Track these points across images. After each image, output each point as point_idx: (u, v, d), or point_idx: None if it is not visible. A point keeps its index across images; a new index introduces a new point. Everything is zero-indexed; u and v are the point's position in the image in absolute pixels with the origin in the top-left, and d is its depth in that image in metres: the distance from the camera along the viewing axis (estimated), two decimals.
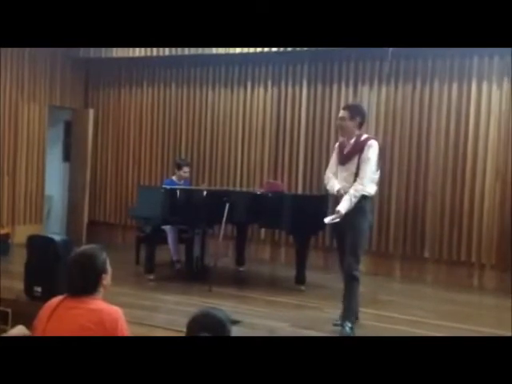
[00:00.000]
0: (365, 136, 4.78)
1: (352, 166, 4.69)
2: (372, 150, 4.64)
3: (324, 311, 5.03)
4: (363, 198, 4.64)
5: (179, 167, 7.23)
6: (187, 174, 7.27)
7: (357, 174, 4.65)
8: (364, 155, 4.63)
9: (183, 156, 8.42)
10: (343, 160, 4.80)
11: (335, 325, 4.70)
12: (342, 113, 4.82)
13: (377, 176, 4.76)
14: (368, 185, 4.65)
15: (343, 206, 4.59)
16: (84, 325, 2.49)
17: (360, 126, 4.77)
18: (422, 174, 7.22)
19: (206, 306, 2.37)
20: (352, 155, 4.71)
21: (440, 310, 5.76)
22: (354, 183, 4.63)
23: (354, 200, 4.60)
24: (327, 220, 4.71)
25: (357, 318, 4.85)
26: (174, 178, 7.28)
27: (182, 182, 7.19)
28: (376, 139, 4.84)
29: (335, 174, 4.85)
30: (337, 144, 5.05)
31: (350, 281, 4.64)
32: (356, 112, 4.78)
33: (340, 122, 4.83)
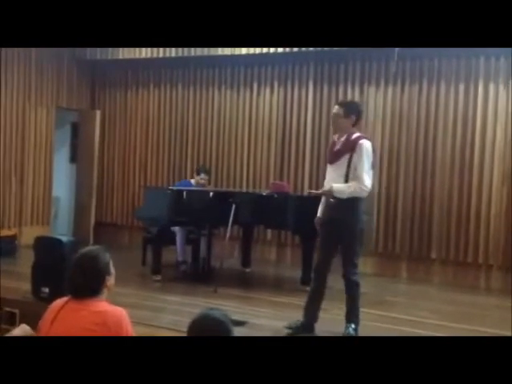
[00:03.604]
0: (356, 134, 4.53)
1: (342, 166, 4.48)
2: (365, 150, 4.42)
3: (329, 312, 5.02)
4: (357, 199, 4.46)
5: (197, 172, 7.20)
6: (203, 181, 7.14)
7: (347, 176, 4.44)
8: (357, 156, 4.41)
9: (189, 156, 8.42)
10: (332, 158, 4.59)
11: (289, 328, 4.66)
12: (336, 109, 4.57)
13: (371, 175, 4.52)
14: (368, 187, 4.46)
15: (337, 186, 4.42)
16: (88, 327, 2.49)
17: (355, 124, 4.55)
18: (428, 174, 7.20)
19: (206, 307, 2.36)
20: (341, 154, 4.48)
21: (446, 310, 5.74)
22: (353, 183, 4.43)
23: (349, 191, 4.39)
24: (313, 191, 4.67)
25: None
26: (192, 180, 7.26)
27: (198, 186, 7.11)
28: (368, 138, 4.63)
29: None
30: (331, 142, 4.84)
31: (350, 286, 4.54)
32: (351, 109, 4.56)
33: (334, 118, 4.59)
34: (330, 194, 4.48)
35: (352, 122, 4.53)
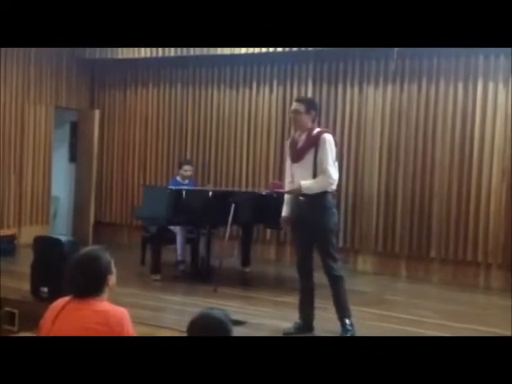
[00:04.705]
0: (317, 129, 4.56)
1: (307, 162, 4.47)
2: (328, 143, 4.43)
3: (329, 311, 5.02)
4: (325, 193, 4.46)
5: (180, 166, 7.30)
6: (188, 173, 7.27)
7: (315, 172, 4.43)
8: (321, 150, 4.41)
9: (189, 156, 8.44)
10: (296, 157, 4.57)
11: (286, 333, 4.61)
12: (296, 105, 4.58)
13: (337, 167, 4.53)
14: (335, 180, 4.47)
15: (305, 183, 4.43)
16: (90, 326, 2.49)
17: (314, 120, 4.58)
18: (427, 173, 7.20)
19: (206, 307, 2.37)
20: (306, 151, 4.49)
21: (446, 309, 5.75)
22: (320, 177, 4.43)
23: (318, 187, 4.41)
24: (280, 191, 4.70)
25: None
26: (178, 177, 7.32)
27: (187, 181, 7.20)
28: (330, 132, 4.67)
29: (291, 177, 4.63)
30: (287, 142, 4.82)
31: (335, 282, 4.53)
32: (311, 105, 4.60)
33: (294, 115, 4.57)
34: (298, 191, 4.50)
35: (312, 118, 4.56)
